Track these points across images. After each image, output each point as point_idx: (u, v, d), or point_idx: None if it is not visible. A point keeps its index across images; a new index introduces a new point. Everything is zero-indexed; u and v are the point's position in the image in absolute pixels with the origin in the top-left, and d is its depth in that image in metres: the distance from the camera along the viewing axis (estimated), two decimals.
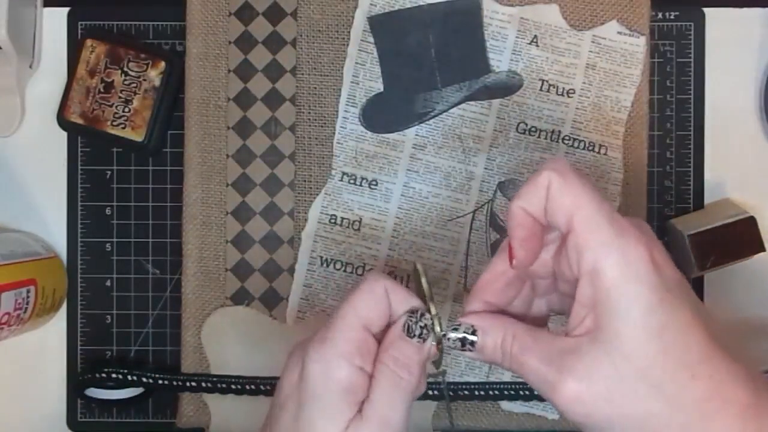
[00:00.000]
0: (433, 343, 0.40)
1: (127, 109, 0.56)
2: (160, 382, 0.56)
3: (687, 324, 0.35)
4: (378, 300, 0.39)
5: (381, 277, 0.40)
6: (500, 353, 0.38)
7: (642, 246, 0.35)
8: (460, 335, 0.39)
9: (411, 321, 0.39)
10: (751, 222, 0.55)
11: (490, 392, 0.55)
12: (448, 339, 0.39)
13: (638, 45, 0.57)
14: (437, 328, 0.40)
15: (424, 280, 0.41)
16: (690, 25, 0.59)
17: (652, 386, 0.34)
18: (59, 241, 0.59)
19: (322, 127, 0.57)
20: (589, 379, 0.34)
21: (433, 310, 0.40)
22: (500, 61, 0.57)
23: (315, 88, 0.57)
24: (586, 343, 0.35)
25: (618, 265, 0.34)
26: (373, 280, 0.39)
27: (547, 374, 0.36)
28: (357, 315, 0.39)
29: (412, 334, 0.39)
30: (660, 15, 0.59)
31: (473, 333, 0.39)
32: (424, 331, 0.39)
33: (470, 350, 0.39)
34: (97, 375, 0.56)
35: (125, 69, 0.56)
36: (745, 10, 0.59)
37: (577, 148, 0.57)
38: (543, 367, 0.36)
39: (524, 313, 0.42)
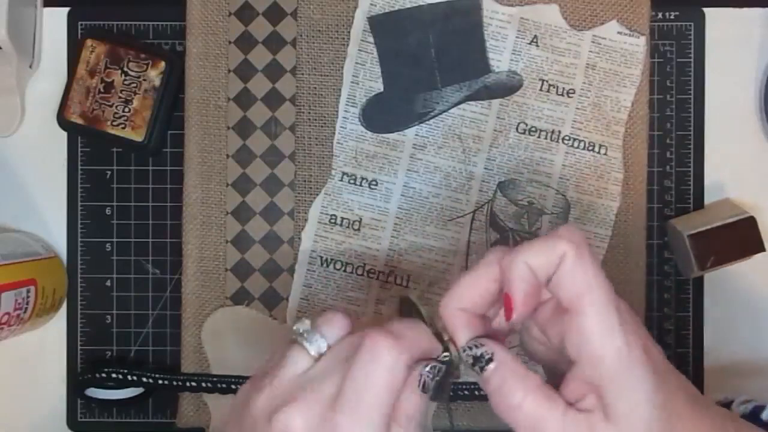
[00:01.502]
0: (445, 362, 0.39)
1: (127, 109, 0.56)
2: (160, 382, 0.56)
3: (676, 394, 0.38)
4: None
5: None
6: (499, 399, 0.38)
7: (639, 338, 0.37)
8: (479, 353, 0.39)
9: (428, 377, 0.39)
10: (751, 222, 0.56)
11: None
12: (465, 351, 0.39)
13: (638, 45, 0.57)
14: (452, 350, 0.39)
15: (423, 311, 0.40)
16: (690, 25, 0.59)
17: None
18: (59, 241, 0.59)
19: (322, 127, 0.57)
20: None
21: (445, 336, 0.39)
22: (500, 61, 0.57)
23: (315, 88, 0.57)
24: (600, 420, 0.37)
25: (623, 354, 0.36)
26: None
27: None
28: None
29: (428, 390, 0.39)
30: (660, 15, 0.59)
31: (489, 360, 0.38)
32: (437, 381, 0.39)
33: (477, 373, 0.39)
34: (97, 375, 0.56)
35: (125, 69, 0.56)
36: (745, 10, 0.59)
37: (577, 148, 0.57)
38: None
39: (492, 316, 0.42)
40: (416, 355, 0.38)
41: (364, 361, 0.36)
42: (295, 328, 0.39)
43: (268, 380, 0.38)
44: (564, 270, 0.37)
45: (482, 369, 0.38)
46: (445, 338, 0.39)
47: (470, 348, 0.39)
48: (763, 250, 0.56)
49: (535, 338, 0.41)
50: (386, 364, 0.36)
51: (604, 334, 0.36)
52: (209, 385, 0.55)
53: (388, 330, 0.37)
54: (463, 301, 0.40)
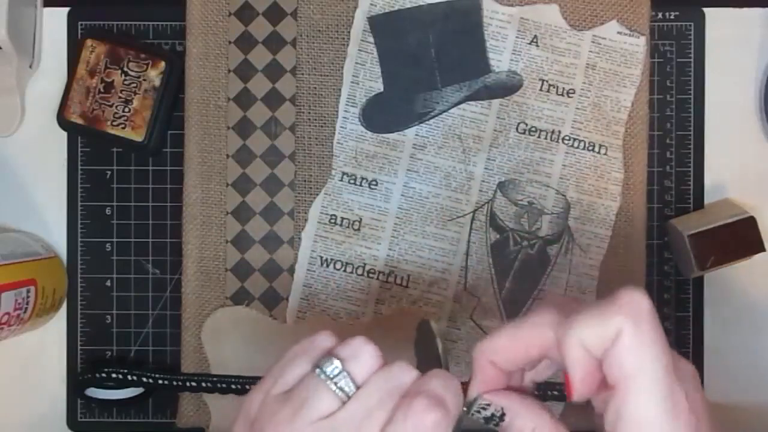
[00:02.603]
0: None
1: (127, 109, 0.56)
2: (160, 382, 0.56)
3: None
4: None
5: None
6: None
7: (690, 429, 0.34)
8: (489, 414, 0.38)
9: None
10: (751, 222, 0.55)
11: None
12: (473, 415, 0.38)
13: (638, 45, 0.57)
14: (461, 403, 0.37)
15: (439, 344, 0.38)
16: (690, 25, 0.59)
17: None
18: (59, 241, 0.59)
19: (322, 127, 0.57)
20: None
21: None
22: (500, 61, 0.57)
23: (315, 88, 0.57)
24: None
25: None
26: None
27: None
28: None
29: None
30: (660, 15, 0.59)
31: (502, 416, 0.37)
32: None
33: (494, 428, 0.38)
34: (97, 375, 0.56)
35: (125, 69, 0.56)
36: (745, 10, 0.59)
37: (577, 148, 0.57)
38: None
39: (529, 368, 0.40)
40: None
41: (407, 428, 0.34)
42: (324, 369, 0.36)
43: (286, 416, 0.35)
44: (618, 352, 0.34)
45: (497, 425, 0.37)
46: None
47: (478, 411, 0.38)
48: (763, 250, 0.56)
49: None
50: None
51: (642, 426, 0.33)
52: (209, 385, 0.55)
53: (433, 395, 0.35)
54: (498, 354, 0.38)
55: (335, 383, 0.35)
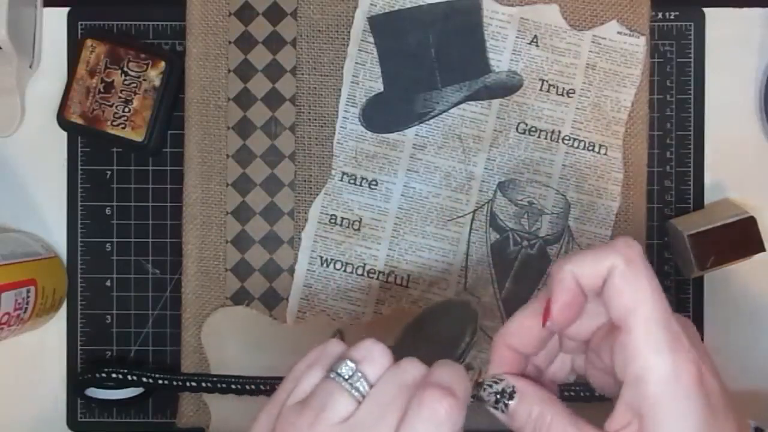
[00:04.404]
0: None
1: (127, 109, 0.56)
2: (160, 382, 0.56)
3: None
4: None
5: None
6: (531, 427, 0.37)
7: (691, 362, 0.35)
8: (500, 388, 0.38)
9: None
10: (751, 222, 0.55)
11: None
12: (485, 389, 0.38)
13: (638, 45, 0.57)
14: (474, 376, 0.38)
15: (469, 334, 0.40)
16: (690, 25, 0.59)
17: None
18: (59, 241, 0.59)
19: (322, 127, 0.57)
20: None
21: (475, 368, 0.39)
22: (500, 61, 0.57)
23: (315, 88, 0.58)
24: None
25: (668, 381, 0.34)
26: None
27: None
28: None
29: None
30: (660, 15, 0.59)
31: (512, 394, 0.38)
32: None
33: (502, 410, 0.38)
34: (97, 375, 0.56)
35: (125, 69, 0.56)
36: (745, 10, 0.59)
37: (577, 148, 0.57)
38: None
39: (545, 366, 0.41)
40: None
41: (422, 420, 0.34)
42: (339, 371, 0.36)
43: (306, 423, 0.35)
44: (612, 284, 0.35)
45: (506, 405, 0.37)
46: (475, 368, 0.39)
47: (489, 385, 0.38)
48: (763, 250, 0.56)
49: (601, 369, 0.39)
50: (445, 427, 0.35)
51: (649, 353, 0.34)
52: (209, 385, 0.55)
53: (443, 384, 0.35)
54: (512, 338, 0.39)
55: (350, 384, 0.36)
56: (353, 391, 0.36)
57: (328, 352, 0.38)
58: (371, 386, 0.36)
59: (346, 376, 0.36)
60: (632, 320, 0.35)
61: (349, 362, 0.36)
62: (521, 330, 0.39)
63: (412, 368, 0.36)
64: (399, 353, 0.39)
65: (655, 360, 0.34)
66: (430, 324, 0.46)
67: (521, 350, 0.39)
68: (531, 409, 0.37)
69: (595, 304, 0.38)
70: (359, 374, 0.36)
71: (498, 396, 0.38)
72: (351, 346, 0.38)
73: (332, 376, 0.36)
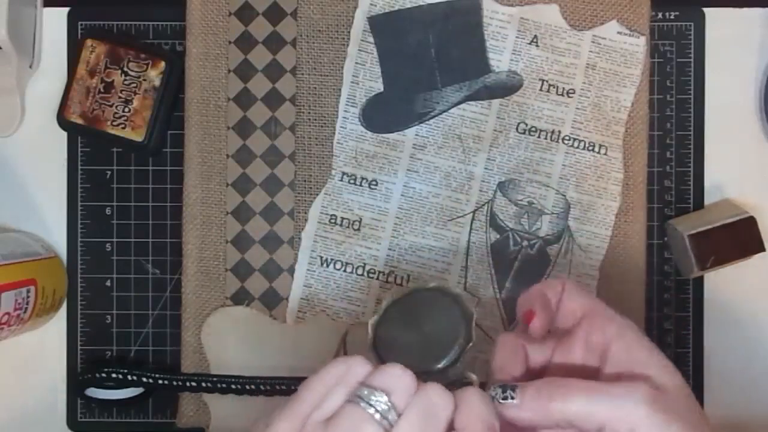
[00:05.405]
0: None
1: (127, 109, 0.56)
2: (160, 382, 0.56)
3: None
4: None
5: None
6: (540, 397, 0.39)
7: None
8: (501, 385, 0.40)
9: None
10: (751, 222, 0.56)
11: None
12: (491, 387, 0.40)
13: (638, 45, 0.57)
14: (473, 377, 0.41)
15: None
16: (690, 25, 0.59)
17: None
18: (59, 241, 0.59)
19: (322, 127, 0.57)
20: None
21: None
22: (500, 61, 0.57)
23: (315, 88, 0.58)
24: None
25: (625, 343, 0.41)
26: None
27: (600, 388, 0.39)
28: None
29: None
30: (660, 15, 0.59)
31: (515, 386, 0.40)
32: None
33: (511, 398, 0.40)
34: (97, 375, 0.56)
35: (125, 69, 0.56)
36: (745, 10, 0.59)
37: (577, 148, 0.57)
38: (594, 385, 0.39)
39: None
40: None
41: None
42: (371, 403, 0.36)
43: None
44: (566, 297, 0.43)
45: (512, 396, 0.40)
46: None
47: (499, 386, 0.41)
48: (763, 250, 0.56)
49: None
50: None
51: (606, 325, 0.42)
52: (209, 385, 0.55)
53: (482, 418, 0.38)
54: (501, 373, 0.44)
55: (381, 414, 0.36)
56: (383, 420, 0.36)
57: (354, 372, 0.38)
58: (399, 415, 0.37)
59: (379, 408, 0.36)
60: (587, 312, 0.43)
61: (383, 396, 0.37)
62: (505, 361, 0.43)
63: (438, 397, 0.37)
64: (385, 331, 0.45)
65: (612, 325, 0.42)
66: (419, 309, 0.48)
67: (515, 376, 0.43)
68: (531, 388, 0.40)
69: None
70: (391, 406, 0.37)
71: (503, 389, 0.40)
72: (376, 371, 0.38)
73: (363, 405, 0.36)
